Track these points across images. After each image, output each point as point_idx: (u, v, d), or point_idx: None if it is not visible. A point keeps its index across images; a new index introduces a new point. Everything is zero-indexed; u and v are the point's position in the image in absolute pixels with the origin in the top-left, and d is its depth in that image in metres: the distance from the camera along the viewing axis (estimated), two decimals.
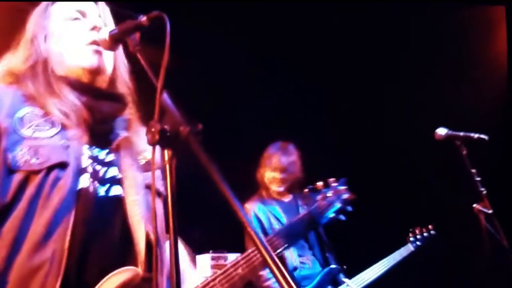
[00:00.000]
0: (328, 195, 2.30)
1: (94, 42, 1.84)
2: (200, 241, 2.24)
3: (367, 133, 5.74)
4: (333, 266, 4.20)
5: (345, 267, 4.23)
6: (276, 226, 4.14)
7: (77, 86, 1.86)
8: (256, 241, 1.30)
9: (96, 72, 1.88)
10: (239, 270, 1.97)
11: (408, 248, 4.63)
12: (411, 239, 4.68)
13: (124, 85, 1.99)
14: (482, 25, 5.84)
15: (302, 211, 4.25)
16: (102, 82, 1.93)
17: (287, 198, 4.43)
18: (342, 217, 2.31)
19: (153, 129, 1.42)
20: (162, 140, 1.42)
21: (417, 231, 4.72)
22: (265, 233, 4.10)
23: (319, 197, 2.29)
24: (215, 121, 5.04)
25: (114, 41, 1.77)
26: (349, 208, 2.34)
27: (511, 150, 5.56)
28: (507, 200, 5.04)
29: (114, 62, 1.97)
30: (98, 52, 1.86)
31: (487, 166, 3.60)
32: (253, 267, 2.04)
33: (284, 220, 4.21)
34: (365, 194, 5.27)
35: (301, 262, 4.14)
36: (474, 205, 3.38)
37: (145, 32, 1.66)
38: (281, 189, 4.39)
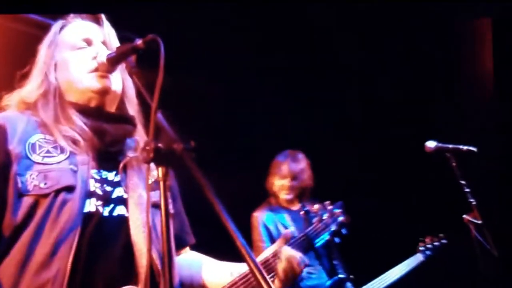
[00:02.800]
0: (324, 217, 2.37)
1: (96, 70, 1.92)
2: (195, 250, 2.29)
3: (372, 143, 5.78)
4: (340, 275, 4.16)
5: (352, 277, 4.17)
6: None
7: (86, 111, 1.93)
8: (248, 259, 1.34)
9: (104, 92, 1.95)
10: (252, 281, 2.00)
11: (418, 258, 4.53)
12: (421, 248, 4.58)
13: (133, 107, 2.07)
14: (468, 38, 5.91)
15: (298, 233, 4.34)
16: (111, 104, 2.00)
17: (296, 207, 4.43)
18: (337, 239, 2.37)
19: (147, 148, 1.47)
20: (157, 158, 1.47)
21: (427, 240, 4.61)
22: (273, 241, 4.10)
23: (315, 219, 2.36)
24: (225, 133, 5.13)
25: (112, 64, 1.88)
26: (344, 231, 2.40)
27: (500, 160, 5.60)
28: (497, 211, 5.11)
29: (123, 86, 2.04)
30: (103, 76, 1.93)
31: (476, 177, 3.66)
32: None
33: (292, 228, 4.20)
34: (373, 202, 5.34)
35: (308, 272, 4.12)
36: (464, 216, 3.45)
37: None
38: (290, 196, 4.41)
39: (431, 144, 3.62)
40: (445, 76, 5.75)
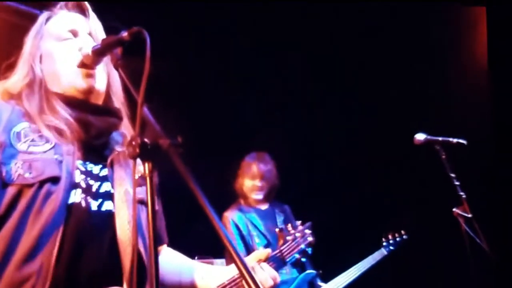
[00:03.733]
0: (296, 236, 2.42)
1: (82, 65, 1.89)
2: (185, 247, 2.27)
3: (345, 136, 5.80)
4: (309, 271, 4.35)
5: (321, 271, 4.39)
6: (254, 233, 4.34)
7: (72, 102, 1.90)
8: (234, 255, 1.33)
9: (89, 92, 1.92)
10: None
11: (382, 252, 4.78)
12: (384, 243, 4.82)
13: (119, 100, 2.04)
14: (462, 26, 5.90)
15: (279, 219, 4.45)
16: (96, 100, 1.98)
17: (265, 206, 4.62)
18: (303, 259, 2.43)
19: (133, 143, 1.45)
20: (143, 153, 1.45)
21: (389, 236, 4.86)
22: (244, 240, 4.32)
23: (289, 237, 2.40)
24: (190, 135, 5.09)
25: (97, 56, 1.84)
26: (310, 251, 2.46)
27: (494, 152, 5.62)
28: (487, 204, 5.13)
29: (108, 79, 2.02)
30: (89, 75, 1.91)
31: (467, 169, 3.66)
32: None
33: (262, 227, 4.40)
34: (340, 199, 5.39)
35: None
36: (454, 209, 3.45)
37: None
38: (260, 196, 4.56)
39: (420, 136, 3.62)
40: (436, 67, 5.73)
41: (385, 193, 5.55)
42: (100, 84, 1.96)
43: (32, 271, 1.63)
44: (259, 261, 2.10)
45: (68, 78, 1.90)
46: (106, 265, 1.73)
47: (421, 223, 5.20)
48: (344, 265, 4.58)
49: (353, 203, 5.51)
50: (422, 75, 5.62)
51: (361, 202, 5.57)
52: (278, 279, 2.07)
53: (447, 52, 5.78)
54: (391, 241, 4.83)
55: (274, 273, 2.08)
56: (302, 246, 2.38)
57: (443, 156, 3.50)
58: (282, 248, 2.33)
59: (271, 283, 2.03)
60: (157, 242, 1.42)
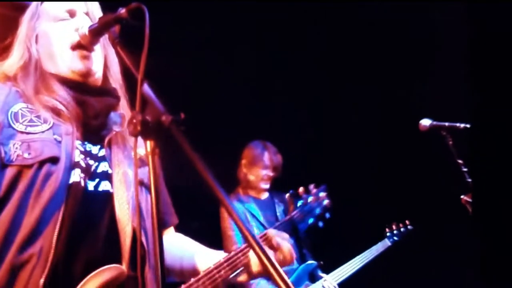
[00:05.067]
0: (309, 200, 2.31)
1: (78, 46, 1.86)
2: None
3: (347, 127, 5.72)
4: (310, 261, 4.25)
5: (322, 262, 4.30)
6: (253, 223, 4.27)
7: (69, 82, 1.88)
8: (248, 236, 1.27)
9: (86, 75, 1.91)
10: (222, 273, 1.96)
11: (385, 243, 4.70)
12: (388, 234, 4.75)
13: (116, 81, 2.02)
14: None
15: (279, 209, 4.40)
16: (94, 82, 1.96)
17: (264, 196, 4.56)
18: (320, 223, 2.32)
19: (134, 120, 1.40)
20: (144, 131, 1.40)
21: (393, 226, 4.79)
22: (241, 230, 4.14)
23: (300, 203, 2.30)
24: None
25: (94, 35, 1.81)
26: (328, 215, 2.35)
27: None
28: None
29: (105, 59, 2.00)
30: (85, 57, 1.89)
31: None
32: (235, 270, 2.02)
33: (261, 217, 4.33)
34: (343, 188, 5.30)
35: None
36: (462, 196, 3.37)
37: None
38: (267, 186, 4.52)
39: (425, 122, 3.54)
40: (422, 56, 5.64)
41: (389, 181, 5.45)
42: (97, 66, 1.94)
43: (32, 252, 1.61)
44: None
45: (65, 60, 1.88)
46: (106, 246, 1.71)
47: (428, 211, 5.11)
48: (346, 256, 4.48)
49: (356, 191, 5.40)
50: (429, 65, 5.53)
51: (364, 190, 5.48)
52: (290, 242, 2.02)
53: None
54: (395, 232, 4.76)
55: (285, 235, 2.04)
56: (317, 210, 2.28)
57: (450, 142, 3.42)
58: (293, 214, 2.25)
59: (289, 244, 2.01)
60: (160, 222, 1.35)
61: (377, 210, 5.25)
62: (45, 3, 1.98)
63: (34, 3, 2.00)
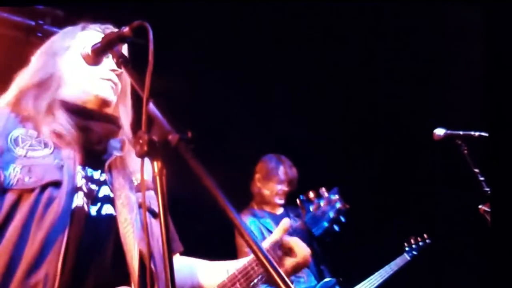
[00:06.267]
0: (321, 204, 2.25)
1: (111, 80, 1.92)
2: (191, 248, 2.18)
3: (363, 139, 5.67)
4: (328, 278, 4.15)
5: (341, 279, 4.19)
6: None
7: (73, 109, 1.88)
8: (256, 250, 1.22)
9: (109, 103, 1.95)
10: (237, 285, 1.93)
11: (404, 258, 4.63)
12: (407, 248, 4.69)
13: (123, 109, 2.04)
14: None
15: (295, 223, 4.28)
16: (106, 110, 1.98)
17: (279, 211, 4.43)
18: (336, 227, 2.26)
19: (141, 141, 1.36)
20: (151, 151, 1.36)
21: (412, 241, 4.73)
22: None
23: (312, 207, 2.24)
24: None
25: (97, 55, 1.76)
26: (343, 219, 2.29)
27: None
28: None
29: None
30: (113, 88, 1.94)
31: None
32: (251, 281, 1.98)
33: None
34: (359, 201, 5.20)
35: (296, 276, 4.03)
36: (480, 206, 3.30)
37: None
38: (282, 201, 4.39)
39: (440, 131, 3.48)
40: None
41: (405, 194, 5.38)
42: (115, 97, 1.99)
43: (37, 280, 1.58)
44: (282, 234, 2.04)
45: (93, 85, 1.91)
46: (112, 270, 1.68)
47: (445, 222, 5.03)
48: (365, 272, 4.41)
49: (373, 205, 5.33)
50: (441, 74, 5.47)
51: (381, 204, 5.41)
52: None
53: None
54: (413, 246, 4.70)
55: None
56: (330, 214, 2.21)
57: (465, 151, 3.35)
58: (305, 219, 2.18)
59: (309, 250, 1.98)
60: (170, 245, 1.31)
61: (394, 224, 5.18)
62: (85, 31, 2.01)
63: (71, 28, 2.04)
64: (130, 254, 1.70)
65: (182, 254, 2.13)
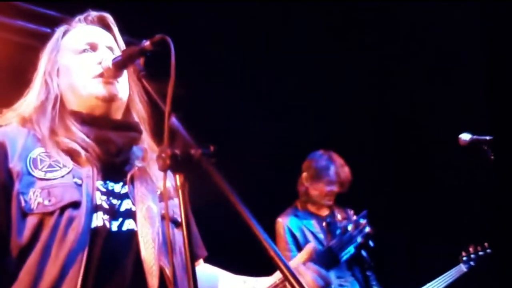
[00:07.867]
0: (348, 229, 2.22)
1: (101, 75, 1.83)
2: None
3: (394, 141, 5.56)
4: (374, 287, 3.93)
5: None
6: (312, 242, 3.79)
7: (88, 120, 1.83)
8: (282, 268, 1.22)
9: (110, 100, 1.85)
10: None
11: (460, 269, 4.23)
12: (464, 258, 4.27)
13: (139, 114, 1.98)
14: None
15: (340, 225, 4.08)
16: (116, 112, 1.91)
17: (325, 212, 4.10)
18: (363, 253, 2.22)
19: (163, 155, 1.37)
20: (174, 165, 1.37)
21: (471, 249, 4.28)
22: (300, 250, 3.66)
23: (339, 231, 2.21)
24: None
25: (118, 69, 1.78)
26: (372, 243, 2.25)
27: None
28: None
29: (129, 92, 1.96)
30: (109, 83, 1.83)
31: None
32: None
33: (321, 236, 3.85)
34: (409, 207, 5.03)
35: (340, 285, 3.80)
36: None
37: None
38: (331, 202, 4.08)
39: (465, 136, 3.43)
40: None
41: (459, 198, 4.98)
42: (122, 93, 1.89)
43: None
44: (304, 260, 1.95)
45: (88, 88, 1.83)
46: (132, 286, 1.66)
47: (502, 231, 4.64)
48: (416, 283, 4.11)
49: (425, 210, 5.06)
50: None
51: (434, 209, 5.08)
52: (330, 279, 1.90)
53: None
54: (472, 256, 4.26)
55: (323, 271, 1.92)
56: (358, 239, 2.17)
57: (492, 156, 3.30)
58: (331, 244, 2.15)
59: (321, 283, 1.89)
60: (193, 258, 1.31)
61: (450, 231, 4.81)
62: (66, 37, 1.96)
63: (54, 37, 1.97)
64: (150, 271, 1.68)
65: (206, 260, 2.10)
